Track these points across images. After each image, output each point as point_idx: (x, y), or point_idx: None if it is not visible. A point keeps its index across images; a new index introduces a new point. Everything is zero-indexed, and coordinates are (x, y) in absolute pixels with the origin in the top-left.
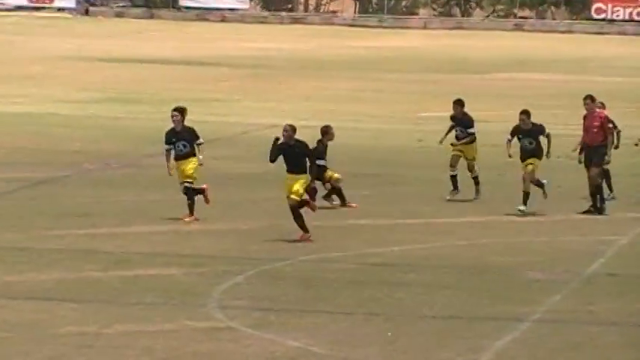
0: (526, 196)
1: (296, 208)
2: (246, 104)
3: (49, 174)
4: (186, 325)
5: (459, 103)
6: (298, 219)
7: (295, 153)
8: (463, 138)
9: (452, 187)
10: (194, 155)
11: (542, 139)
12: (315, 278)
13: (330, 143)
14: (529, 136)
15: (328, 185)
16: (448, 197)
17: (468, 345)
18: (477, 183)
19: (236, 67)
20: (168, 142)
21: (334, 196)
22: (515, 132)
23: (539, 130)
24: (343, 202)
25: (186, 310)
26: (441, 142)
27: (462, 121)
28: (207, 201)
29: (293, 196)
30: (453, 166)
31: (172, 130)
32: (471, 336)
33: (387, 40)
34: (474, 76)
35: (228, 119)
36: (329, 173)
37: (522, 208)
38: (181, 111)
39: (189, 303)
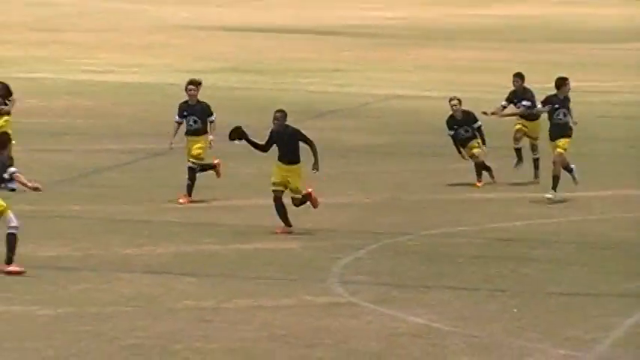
0: (556, 180)
1: (280, 199)
2: (368, 74)
3: (167, 145)
4: (305, 300)
5: (519, 77)
6: (281, 211)
7: (286, 141)
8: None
9: (517, 159)
10: (205, 133)
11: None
12: (439, 253)
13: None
14: (564, 107)
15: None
16: (514, 167)
17: (597, 322)
18: (536, 167)
19: (356, 37)
20: (180, 114)
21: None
22: (548, 102)
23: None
24: (478, 178)
25: (306, 284)
26: (490, 113)
27: (522, 97)
28: (218, 175)
29: (296, 195)
30: (517, 139)
31: (186, 102)
32: (600, 313)
33: (512, 8)
34: (601, 46)
35: (349, 90)
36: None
37: (550, 196)
38: (197, 84)
39: (309, 278)
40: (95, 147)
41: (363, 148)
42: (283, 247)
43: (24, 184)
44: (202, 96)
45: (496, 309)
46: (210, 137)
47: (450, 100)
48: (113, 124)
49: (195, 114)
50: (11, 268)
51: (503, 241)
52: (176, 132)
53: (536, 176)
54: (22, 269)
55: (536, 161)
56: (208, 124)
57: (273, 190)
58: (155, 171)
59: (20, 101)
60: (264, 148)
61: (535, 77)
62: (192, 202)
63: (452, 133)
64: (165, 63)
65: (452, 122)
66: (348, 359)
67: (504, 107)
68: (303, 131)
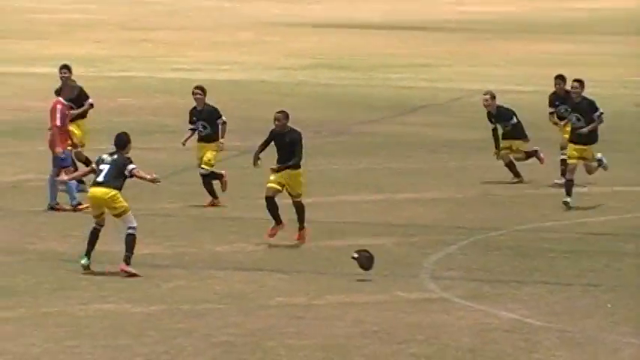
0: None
1: (272, 197)
2: (458, 69)
3: (258, 142)
4: (397, 296)
5: (561, 79)
6: (273, 208)
7: (286, 144)
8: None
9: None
10: (216, 139)
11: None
12: (531, 248)
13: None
14: (575, 111)
15: None
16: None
17: None
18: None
19: (445, 31)
20: (191, 121)
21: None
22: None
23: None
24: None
25: (398, 280)
26: (556, 122)
27: (564, 99)
28: (224, 188)
29: (300, 200)
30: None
31: (194, 108)
32: None
33: (601, 1)
34: None
35: (439, 85)
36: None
37: (568, 199)
38: (203, 89)
39: (401, 273)
40: (186, 145)
41: (453, 143)
42: (374, 243)
43: (143, 178)
44: (291, 92)
45: (589, 304)
46: (221, 140)
47: (484, 94)
48: None
49: (204, 118)
50: (128, 268)
51: (595, 235)
52: (189, 138)
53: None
54: (135, 272)
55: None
56: (219, 127)
57: (269, 187)
58: (246, 168)
59: (112, 100)
60: (259, 149)
61: (624, 70)
62: (213, 204)
63: (493, 127)
64: (256, 60)
65: (489, 117)
66: (441, 355)
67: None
68: (303, 141)
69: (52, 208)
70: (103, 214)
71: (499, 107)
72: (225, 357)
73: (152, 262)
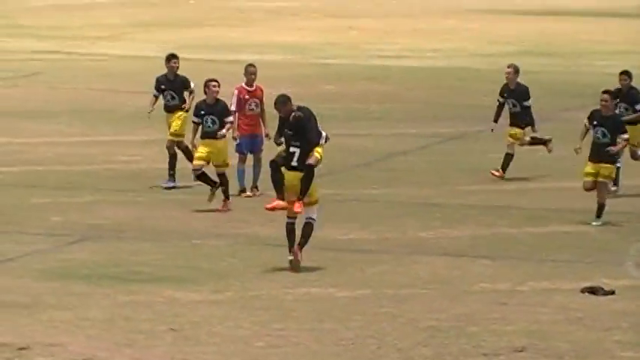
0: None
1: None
2: None
3: (462, 129)
4: (602, 284)
5: (627, 75)
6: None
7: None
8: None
9: None
10: (223, 137)
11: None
12: None
13: None
14: (603, 126)
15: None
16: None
17: None
18: None
19: None
20: (196, 114)
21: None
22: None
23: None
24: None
25: (602, 267)
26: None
27: (626, 96)
28: (210, 199)
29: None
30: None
31: (204, 102)
32: None
33: None
34: None
35: None
36: None
37: (596, 223)
38: (217, 82)
39: (605, 260)
40: (390, 131)
41: None
42: (579, 230)
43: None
44: (495, 79)
45: None
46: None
47: (507, 67)
48: (408, 109)
49: (214, 113)
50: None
51: None
52: (194, 133)
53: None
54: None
55: None
56: (226, 122)
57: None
58: (450, 155)
59: (315, 87)
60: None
61: None
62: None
63: (501, 100)
64: (460, 47)
65: (504, 90)
66: None
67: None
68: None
69: (241, 191)
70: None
71: (519, 84)
72: (430, 342)
73: (357, 246)
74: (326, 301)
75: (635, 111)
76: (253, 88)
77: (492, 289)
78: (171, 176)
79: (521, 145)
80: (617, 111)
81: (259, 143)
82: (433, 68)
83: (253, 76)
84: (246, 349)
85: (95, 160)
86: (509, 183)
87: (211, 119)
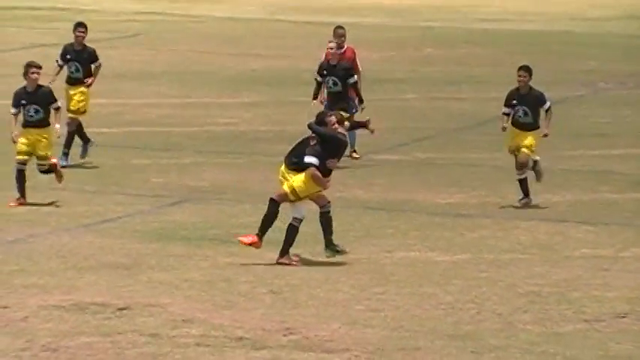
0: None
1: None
2: None
3: (563, 93)
4: None
5: (526, 71)
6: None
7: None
8: None
9: None
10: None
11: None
12: None
13: None
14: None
15: None
16: None
17: None
18: None
19: None
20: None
21: None
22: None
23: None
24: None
25: None
26: None
27: (525, 98)
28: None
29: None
30: None
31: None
32: None
33: None
34: None
35: None
36: None
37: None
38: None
39: None
40: (492, 95)
41: None
42: None
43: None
44: (598, 43)
45: None
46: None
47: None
48: (510, 73)
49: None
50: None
51: None
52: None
53: None
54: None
55: None
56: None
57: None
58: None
59: (418, 50)
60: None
61: None
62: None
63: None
64: (561, 11)
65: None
66: None
67: None
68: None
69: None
70: None
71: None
72: (530, 307)
73: (457, 211)
74: (425, 265)
75: (537, 114)
76: (342, 51)
77: (594, 255)
78: (65, 155)
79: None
80: (517, 115)
81: (350, 108)
82: (534, 32)
83: (343, 38)
84: (346, 313)
85: (195, 122)
86: (613, 148)
87: (75, 66)
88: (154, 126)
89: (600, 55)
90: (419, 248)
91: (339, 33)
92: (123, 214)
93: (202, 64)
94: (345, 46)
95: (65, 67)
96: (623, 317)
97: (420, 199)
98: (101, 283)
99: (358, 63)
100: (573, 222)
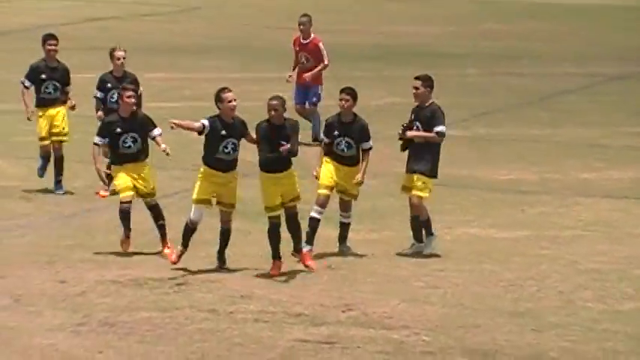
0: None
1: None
2: None
3: (626, 69)
4: None
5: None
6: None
7: (285, 136)
8: None
9: None
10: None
11: None
12: None
13: None
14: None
15: None
16: None
17: None
18: None
19: None
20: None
21: None
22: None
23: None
24: None
25: None
26: None
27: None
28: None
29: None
30: None
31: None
32: None
33: None
34: None
35: None
36: None
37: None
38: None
39: None
40: (554, 70)
41: None
42: None
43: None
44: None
45: None
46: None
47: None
48: (572, 48)
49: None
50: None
51: None
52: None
53: None
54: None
55: None
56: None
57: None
58: (614, 95)
59: (476, 25)
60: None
61: None
62: None
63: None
64: None
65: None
66: None
67: None
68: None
69: None
70: None
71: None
72: (592, 285)
73: (518, 187)
74: (485, 241)
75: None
76: (307, 41)
77: None
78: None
79: None
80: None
81: (311, 95)
82: (599, 7)
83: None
84: (405, 289)
85: (255, 97)
86: None
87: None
88: (213, 100)
89: None
90: (479, 224)
91: (300, 21)
92: (180, 189)
93: (261, 38)
94: (312, 36)
95: (32, 88)
96: None
97: (480, 175)
98: (159, 258)
99: (324, 53)
100: (635, 199)
